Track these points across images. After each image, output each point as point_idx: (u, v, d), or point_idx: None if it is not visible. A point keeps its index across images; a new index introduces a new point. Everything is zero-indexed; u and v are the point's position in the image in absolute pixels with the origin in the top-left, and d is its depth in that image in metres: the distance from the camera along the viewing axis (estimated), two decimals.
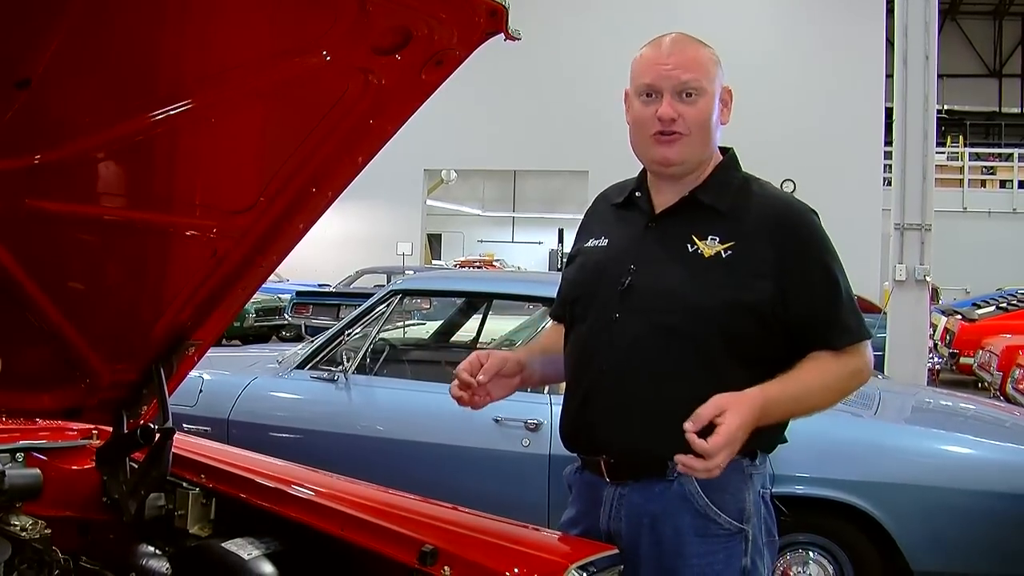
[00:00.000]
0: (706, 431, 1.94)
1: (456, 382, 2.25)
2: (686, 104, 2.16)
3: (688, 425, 1.95)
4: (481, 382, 2.23)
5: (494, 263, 25.70)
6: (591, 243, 2.34)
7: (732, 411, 1.96)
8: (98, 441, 2.61)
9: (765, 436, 2.13)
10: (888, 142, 15.08)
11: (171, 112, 2.04)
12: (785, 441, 2.26)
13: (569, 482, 2.37)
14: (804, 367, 2.15)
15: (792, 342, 2.16)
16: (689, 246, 2.16)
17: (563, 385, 4.71)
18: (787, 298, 2.12)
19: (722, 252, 2.13)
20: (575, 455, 2.35)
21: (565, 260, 2.50)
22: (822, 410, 2.19)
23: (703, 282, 2.12)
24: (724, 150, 2.29)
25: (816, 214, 2.22)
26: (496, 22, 2.01)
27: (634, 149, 2.26)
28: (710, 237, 2.15)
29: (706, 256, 2.14)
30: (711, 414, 1.96)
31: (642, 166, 2.32)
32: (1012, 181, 25.54)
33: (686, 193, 2.22)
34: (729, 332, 2.12)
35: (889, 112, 13.41)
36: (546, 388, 4.71)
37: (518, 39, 2.00)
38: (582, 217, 2.47)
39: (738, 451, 2.00)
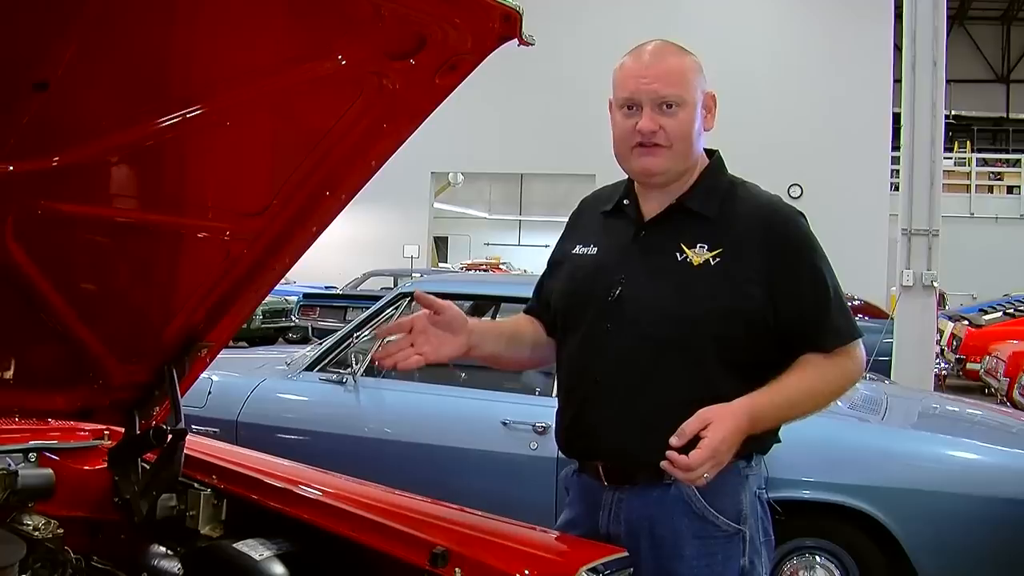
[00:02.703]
0: (692, 444, 1.97)
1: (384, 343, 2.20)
2: (666, 116, 2.15)
3: (673, 440, 1.98)
4: (417, 327, 2.19)
5: (500, 266, 25.68)
6: (579, 250, 2.33)
7: (716, 424, 1.99)
8: (110, 442, 2.63)
9: (760, 438, 2.16)
10: (895, 147, 15.09)
11: (186, 115, 2.05)
12: (779, 441, 2.28)
13: (566, 485, 2.39)
14: (794, 372, 2.16)
15: (783, 345, 2.17)
16: (678, 255, 2.16)
17: None
18: (776, 302, 2.12)
19: (711, 260, 2.13)
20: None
21: (547, 263, 2.48)
22: (815, 412, 2.20)
23: (693, 292, 2.13)
24: (710, 153, 2.29)
25: (804, 216, 2.23)
26: (510, 27, 2.02)
27: (618, 160, 2.26)
28: (699, 245, 2.15)
29: (695, 264, 2.14)
30: (695, 428, 1.98)
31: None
32: (1019, 187, 25.51)
33: (673, 200, 2.22)
34: (720, 340, 2.13)
35: (896, 117, 13.40)
36: (554, 391, 4.71)
37: (532, 44, 2.00)
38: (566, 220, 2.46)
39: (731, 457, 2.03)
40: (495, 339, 2.38)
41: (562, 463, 4.49)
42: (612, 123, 2.24)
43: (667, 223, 2.22)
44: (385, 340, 2.23)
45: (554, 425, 2.39)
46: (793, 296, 2.14)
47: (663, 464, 1.99)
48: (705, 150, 2.27)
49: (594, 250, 2.30)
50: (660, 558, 2.17)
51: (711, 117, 2.23)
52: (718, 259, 2.13)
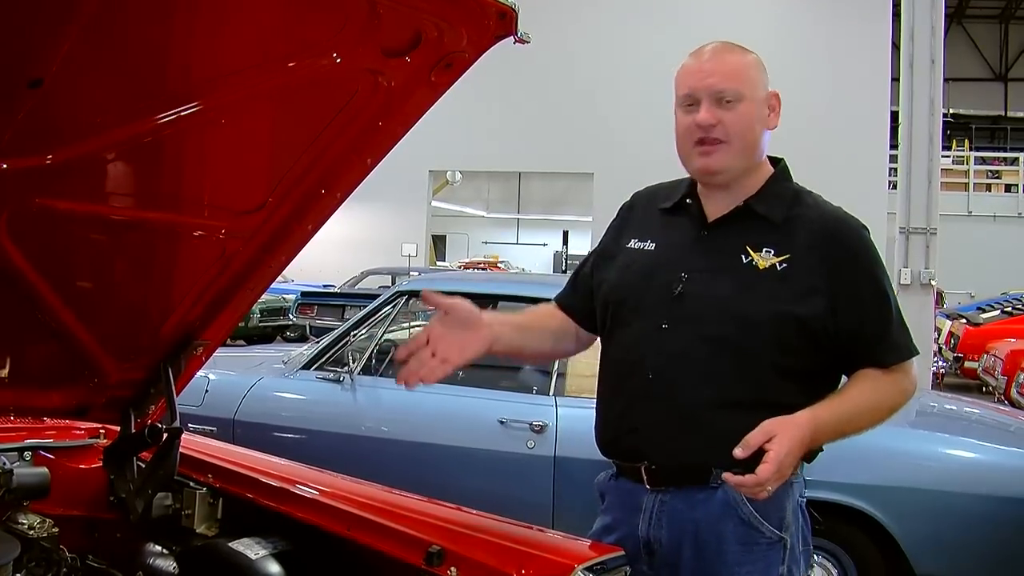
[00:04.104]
0: (755, 455, 1.96)
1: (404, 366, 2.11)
2: (725, 110, 2.13)
3: (738, 452, 1.97)
4: (434, 335, 2.10)
5: (499, 265, 25.70)
6: (635, 244, 2.30)
7: (781, 437, 1.97)
8: (105, 440, 2.62)
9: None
10: (893, 145, 15.09)
11: (181, 113, 2.04)
12: (822, 449, 2.24)
13: (602, 490, 2.35)
14: (853, 387, 2.15)
15: (840, 356, 2.15)
16: (743, 257, 2.14)
17: (569, 387, 4.73)
18: (838, 313, 2.11)
19: (777, 265, 2.12)
20: (591, 460, 2.35)
21: (593, 255, 2.44)
22: (871, 428, 2.18)
23: (756, 294, 2.11)
24: (774, 161, 2.28)
25: (867, 229, 2.21)
26: (506, 25, 2.02)
27: (681, 160, 2.24)
28: (764, 249, 2.14)
29: (760, 268, 2.12)
30: (760, 440, 1.97)
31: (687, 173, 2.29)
32: (1017, 185, 25.53)
33: (740, 202, 2.20)
34: (779, 345, 2.11)
35: (894, 116, 13.41)
36: (551, 390, 4.72)
37: (527, 42, 2.00)
38: (616, 213, 2.43)
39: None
40: (515, 330, 2.34)
41: (559, 462, 4.53)
42: (675, 124, 2.22)
43: (733, 224, 2.20)
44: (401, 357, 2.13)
45: (593, 424, 2.34)
46: (855, 309, 2.12)
47: (725, 475, 1.99)
48: (769, 158, 2.26)
49: (652, 245, 2.27)
50: (702, 561, 2.16)
51: (775, 116, 2.21)
52: (784, 265, 2.12)
